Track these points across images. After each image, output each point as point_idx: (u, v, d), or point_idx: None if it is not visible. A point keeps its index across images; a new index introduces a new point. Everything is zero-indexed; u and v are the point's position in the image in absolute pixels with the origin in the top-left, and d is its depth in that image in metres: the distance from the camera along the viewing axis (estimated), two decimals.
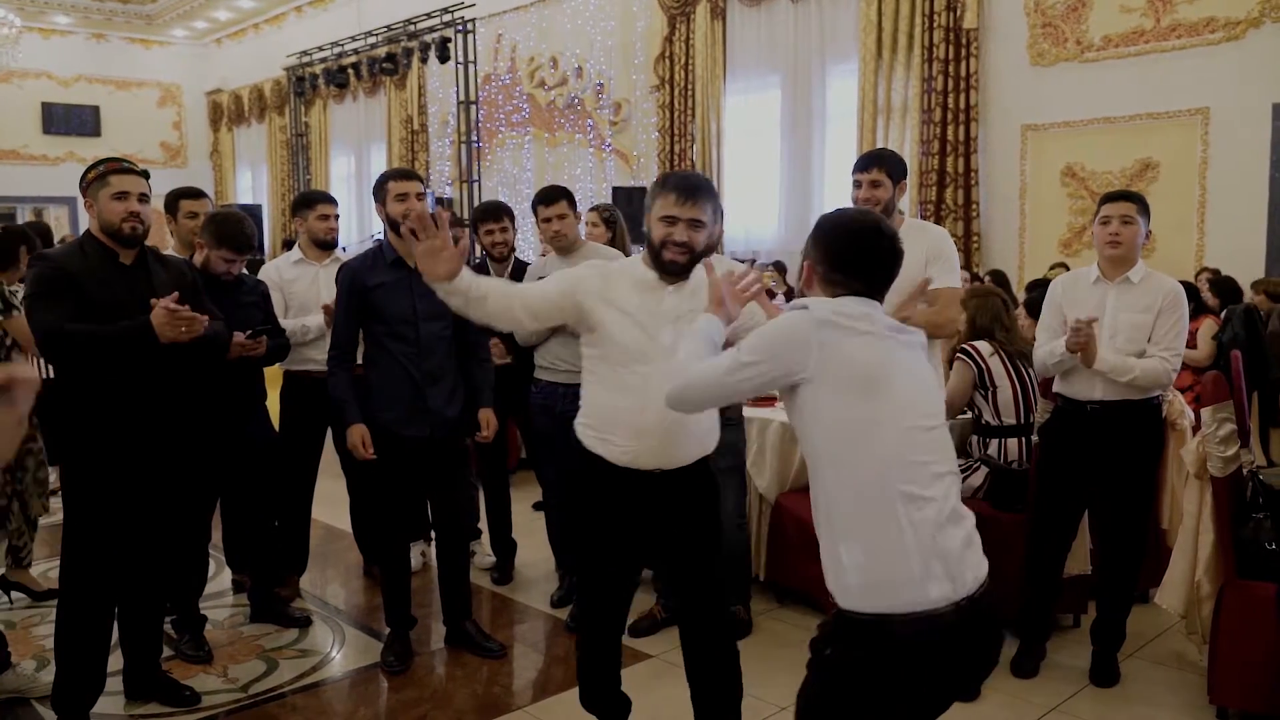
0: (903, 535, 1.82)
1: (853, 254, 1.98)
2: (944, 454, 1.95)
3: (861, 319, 1.90)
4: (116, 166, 3.05)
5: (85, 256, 3.01)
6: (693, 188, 2.50)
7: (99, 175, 3.02)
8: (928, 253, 3.28)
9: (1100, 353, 3.24)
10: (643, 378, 2.45)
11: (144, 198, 3.03)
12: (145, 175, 3.10)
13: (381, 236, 3.82)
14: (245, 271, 3.87)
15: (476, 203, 11.65)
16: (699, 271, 2.50)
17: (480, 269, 4.34)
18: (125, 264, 3.05)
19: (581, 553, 2.72)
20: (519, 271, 4.27)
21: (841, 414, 1.86)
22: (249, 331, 3.61)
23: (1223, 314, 6.14)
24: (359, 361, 3.62)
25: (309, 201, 4.37)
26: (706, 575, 2.65)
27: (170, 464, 3.12)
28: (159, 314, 2.86)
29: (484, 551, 4.68)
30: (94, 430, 2.98)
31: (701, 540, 2.63)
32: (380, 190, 3.51)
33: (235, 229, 3.64)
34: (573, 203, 4.03)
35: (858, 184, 3.45)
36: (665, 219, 2.48)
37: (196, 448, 3.25)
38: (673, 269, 2.51)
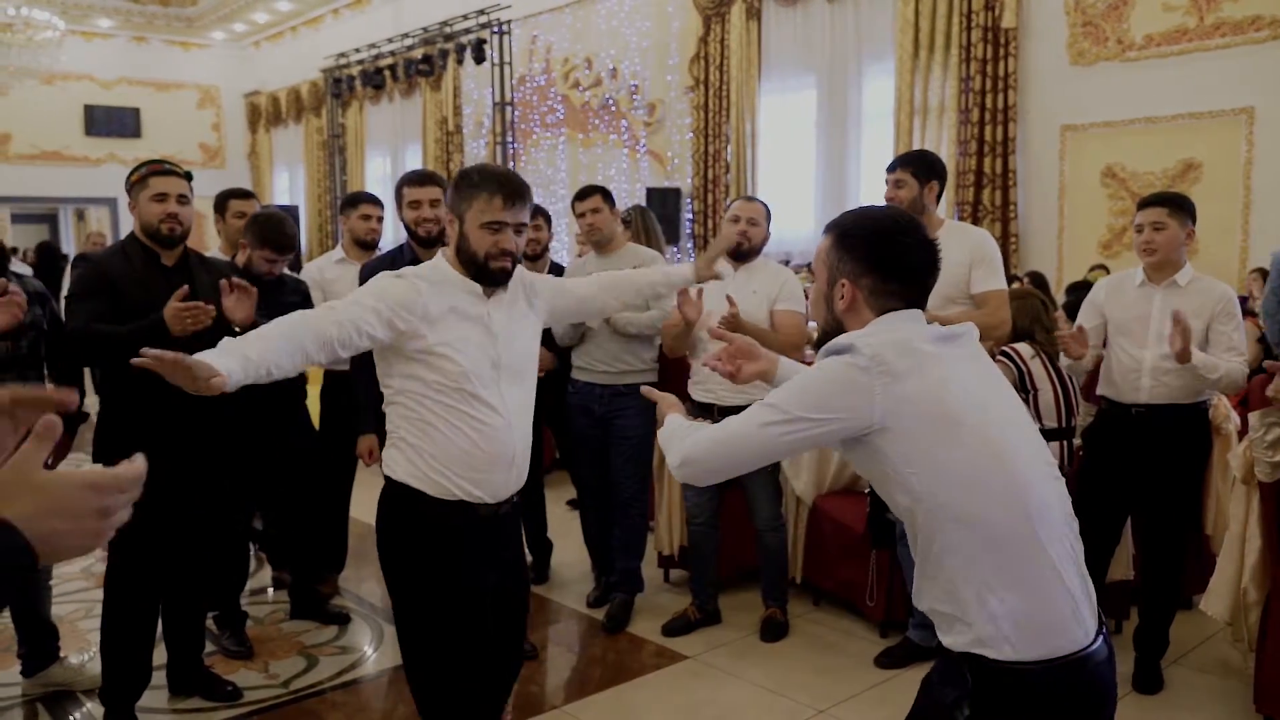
0: (1056, 568, 1.63)
1: (900, 254, 1.73)
2: (1048, 457, 1.75)
3: (908, 349, 1.65)
4: (158, 168, 3.10)
5: (127, 258, 3.06)
6: (518, 191, 2.28)
7: (140, 178, 3.07)
8: (971, 256, 3.27)
9: (1195, 350, 3.13)
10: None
11: (183, 199, 3.07)
12: (188, 177, 3.14)
13: None
14: (287, 271, 3.91)
15: None
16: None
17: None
18: (167, 265, 3.09)
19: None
20: (556, 273, 4.30)
21: (938, 457, 1.62)
22: None
23: None
24: None
25: (354, 201, 4.43)
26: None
27: (210, 462, 3.16)
28: (168, 309, 2.89)
29: None
30: (134, 430, 3.01)
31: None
32: (397, 194, 3.54)
33: (277, 229, 3.68)
34: (609, 199, 4.06)
35: (886, 183, 3.49)
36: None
37: (236, 445, 3.29)
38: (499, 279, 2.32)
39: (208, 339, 2.96)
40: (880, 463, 1.67)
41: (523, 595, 2.56)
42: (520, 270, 2.40)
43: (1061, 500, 1.71)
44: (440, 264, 2.34)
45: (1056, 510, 1.67)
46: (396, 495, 2.30)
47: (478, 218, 2.24)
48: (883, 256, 1.72)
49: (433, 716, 2.38)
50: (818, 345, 1.80)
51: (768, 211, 3.84)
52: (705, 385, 3.69)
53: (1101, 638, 1.66)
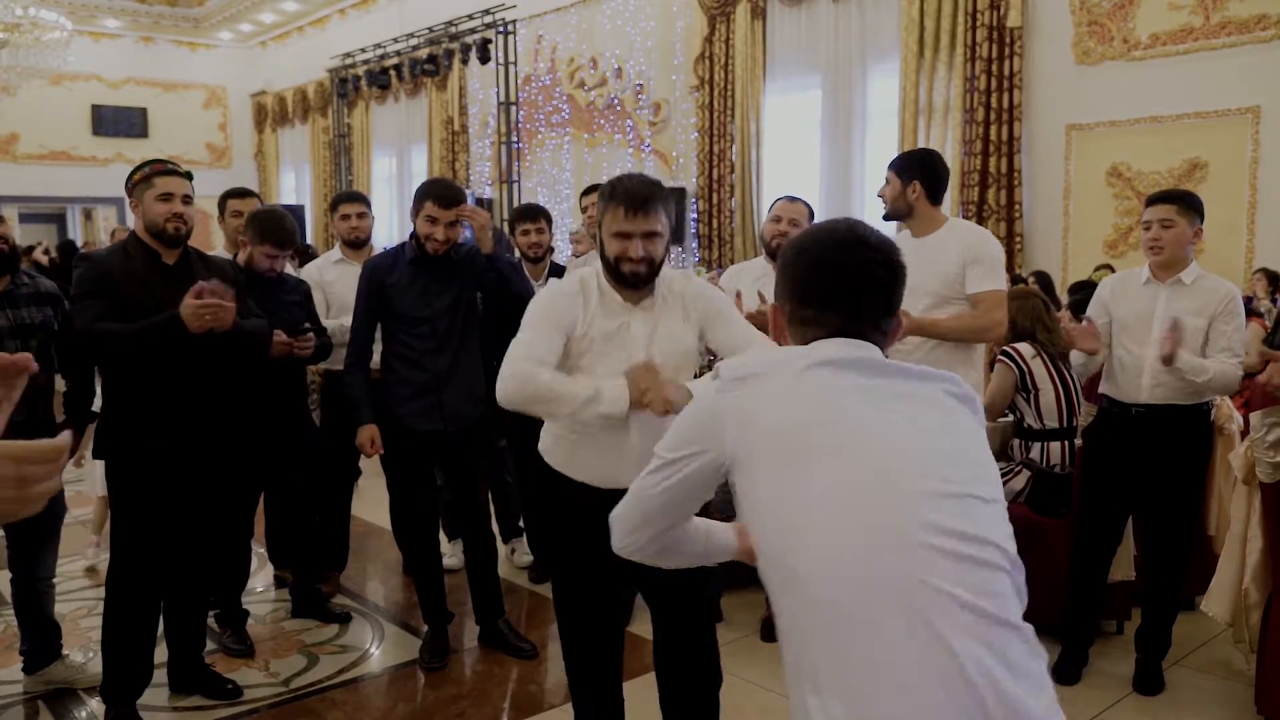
0: (898, 669, 1.24)
1: (821, 276, 1.47)
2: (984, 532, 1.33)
3: (780, 368, 1.43)
4: (162, 168, 3.10)
5: (129, 257, 3.07)
6: (643, 200, 2.37)
7: (144, 177, 3.07)
8: (965, 255, 3.21)
9: (1182, 353, 3.13)
10: None
11: (188, 199, 3.08)
12: (189, 177, 3.15)
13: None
14: (289, 270, 3.92)
15: (516, 203, 11.72)
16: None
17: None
18: (168, 264, 3.10)
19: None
20: (556, 274, 4.31)
21: (784, 491, 1.34)
22: (305, 328, 3.65)
23: (1276, 316, 6.02)
24: (375, 365, 3.67)
25: (334, 203, 4.48)
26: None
27: (214, 460, 3.17)
28: (187, 304, 2.89)
29: (523, 550, 4.71)
30: (139, 427, 3.03)
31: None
32: (417, 203, 3.49)
33: (276, 226, 3.69)
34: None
35: None
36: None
37: (240, 444, 3.30)
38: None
39: (210, 337, 2.98)
40: (745, 515, 1.42)
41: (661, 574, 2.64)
42: (680, 281, 2.54)
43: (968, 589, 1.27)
44: (598, 274, 2.50)
45: (927, 597, 1.25)
46: (549, 477, 2.52)
47: (609, 227, 2.40)
48: (797, 278, 1.50)
49: (579, 682, 2.62)
50: None
51: (810, 212, 3.79)
52: None
53: None
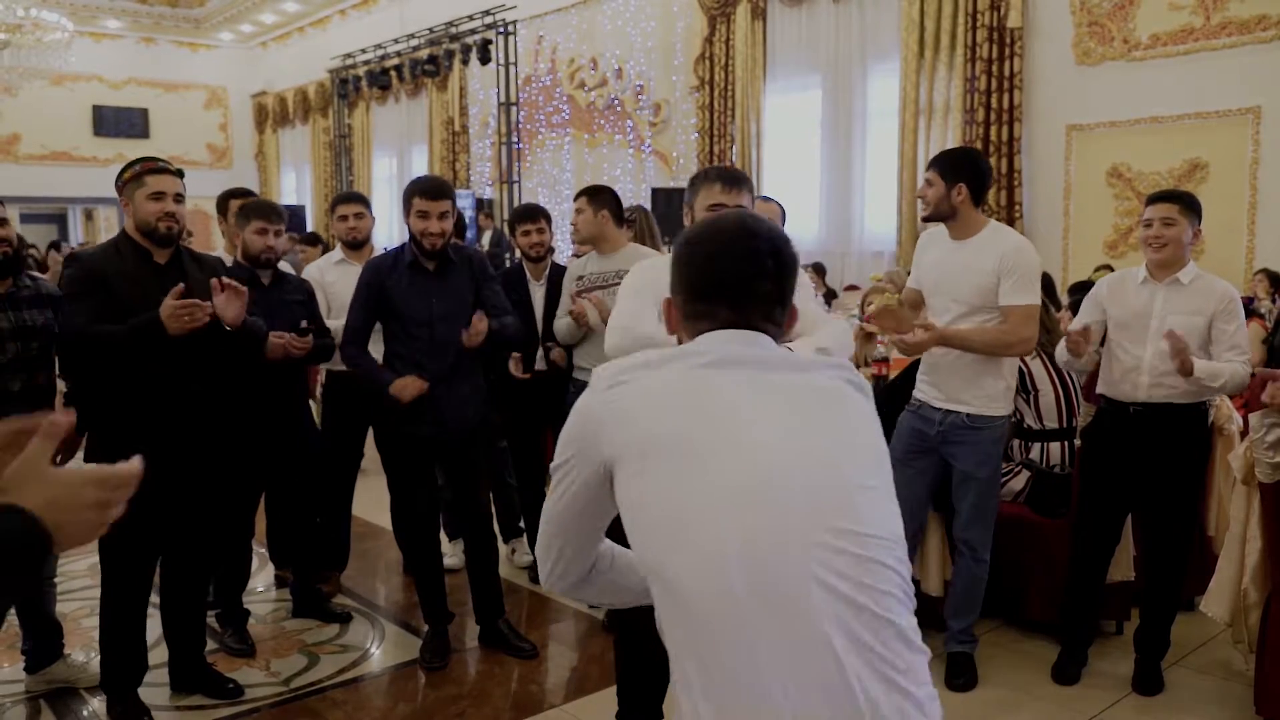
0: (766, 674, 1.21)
1: (708, 267, 1.43)
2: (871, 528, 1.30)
3: (654, 363, 1.37)
4: (153, 166, 3.08)
5: (120, 257, 3.05)
6: (734, 177, 2.65)
7: (135, 175, 3.05)
8: (1000, 265, 3.19)
9: (1198, 362, 3.11)
10: None
11: (179, 198, 3.06)
12: (180, 174, 3.13)
13: None
14: (290, 272, 3.93)
15: (516, 203, 11.73)
16: None
17: (517, 271, 4.39)
18: (160, 263, 3.08)
19: None
20: (556, 274, 4.31)
21: (656, 493, 1.29)
22: (304, 327, 3.65)
23: (1276, 316, 6.02)
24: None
25: (332, 205, 4.49)
26: None
27: (203, 457, 3.15)
28: (165, 306, 2.88)
29: (524, 550, 4.71)
30: (123, 427, 3.01)
31: None
32: (405, 204, 3.52)
33: (258, 202, 3.73)
34: (595, 200, 4.01)
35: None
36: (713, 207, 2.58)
37: (237, 443, 3.30)
38: None
39: (203, 337, 2.98)
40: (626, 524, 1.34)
41: None
42: None
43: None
44: None
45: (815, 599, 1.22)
46: None
47: (704, 202, 2.62)
48: (687, 271, 1.46)
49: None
50: None
51: (783, 211, 3.80)
52: None
53: None
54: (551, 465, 1.42)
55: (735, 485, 1.26)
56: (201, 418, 3.11)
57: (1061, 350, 3.40)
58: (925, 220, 3.48)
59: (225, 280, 3.02)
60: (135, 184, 3.04)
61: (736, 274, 1.41)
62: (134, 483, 1.01)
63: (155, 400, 3.03)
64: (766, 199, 3.78)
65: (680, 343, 1.47)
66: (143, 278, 3.03)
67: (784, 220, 3.83)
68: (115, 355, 2.98)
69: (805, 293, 3.76)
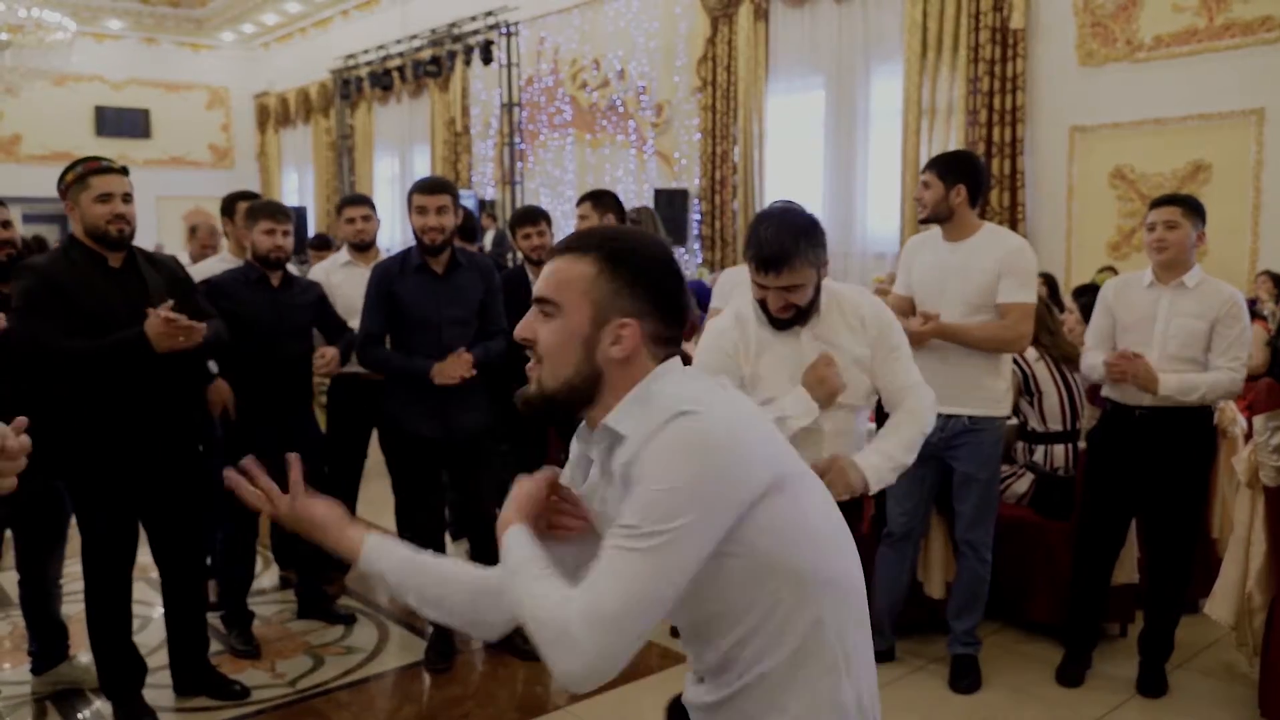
0: (846, 683, 1.38)
1: (681, 291, 1.40)
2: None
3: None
4: (96, 166, 2.97)
5: (71, 263, 2.93)
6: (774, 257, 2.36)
7: (78, 177, 2.94)
8: (1001, 265, 3.25)
9: (1162, 379, 3.17)
10: None
11: (128, 197, 2.96)
12: (125, 172, 3.03)
13: None
14: (296, 274, 3.93)
15: (518, 204, 11.73)
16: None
17: (519, 274, 4.39)
18: (114, 267, 2.98)
19: None
20: None
21: (777, 542, 1.31)
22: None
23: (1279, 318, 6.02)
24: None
25: (339, 207, 4.50)
26: None
27: (174, 464, 3.12)
28: (154, 324, 2.80)
29: None
30: (94, 438, 2.96)
31: None
32: (408, 204, 3.55)
33: (265, 200, 3.73)
34: (599, 205, 4.07)
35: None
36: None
37: (244, 445, 3.30)
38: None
39: (183, 353, 2.91)
40: (723, 566, 1.30)
41: None
42: (853, 298, 2.58)
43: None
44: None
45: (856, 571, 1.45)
46: None
47: (751, 275, 2.44)
48: (669, 291, 1.37)
49: None
50: (542, 404, 1.39)
51: None
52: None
53: None
54: (638, 527, 1.22)
55: (824, 497, 1.42)
56: (157, 425, 3.04)
57: (1096, 367, 3.36)
58: (923, 222, 3.50)
59: (167, 314, 2.85)
60: (79, 186, 2.92)
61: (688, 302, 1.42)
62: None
63: (121, 414, 2.95)
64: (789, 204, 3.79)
65: (625, 367, 1.35)
66: (97, 283, 2.92)
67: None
68: (86, 370, 2.88)
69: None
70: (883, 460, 2.44)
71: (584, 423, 1.42)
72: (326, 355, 3.67)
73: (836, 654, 1.36)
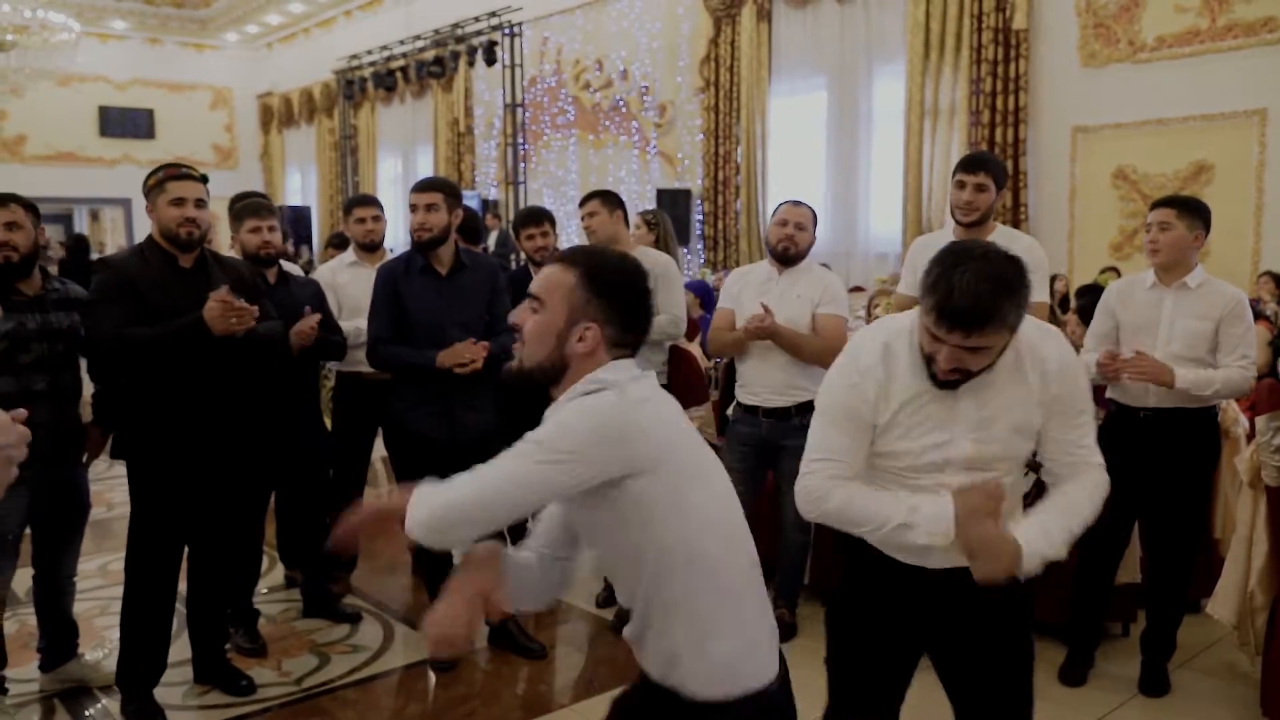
0: (761, 605, 1.71)
1: (646, 308, 1.73)
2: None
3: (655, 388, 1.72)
4: (174, 173, 3.14)
5: (146, 262, 3.12)
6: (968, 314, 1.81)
7: (158, 181, 3.11)
8: None
9: (1179, 372, 3.15)
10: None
11: (200, 203, 3.11)
12: (203, 180, 3.18)
13: None
14: (293, 272, 3.96)
15: (522, 204, 11.75)
16: None
17: (522, 275, 4.41)
18: (185, 268, 3.14)
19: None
20: None
21: (689, 500, 1.63)
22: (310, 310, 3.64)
23: None
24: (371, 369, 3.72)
25: (349, 206, 4.52)
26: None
27: (230, 458, 3.21)
28: (212, 306, 2.94)
29: None
30: (157, 427, 3.07)
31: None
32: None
33: (247, 198, 3.76)
34: (609, 203, 4.08)
35: (961, 185, 3.48)
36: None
37: (253, 444, 3.33)
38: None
39: (236, 341, 3.02)
40: (621, 512, 1.63)
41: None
42: (1038, 340, 2.01)
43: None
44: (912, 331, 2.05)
45: (751, 547, 1.74)
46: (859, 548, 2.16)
47: (924, 320, 1.93)
48: (632, 307, 1.70)
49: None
50: (519, 377, 1.77)
51: (814, 216, 3.83)
52: (749, 389, 3.76)
53: (779, 664, 1.73)
54: (541, 445, 1.63)
55: (726, 490, 1.73)
56: (224, 420, 3.15)
57: (1091, 368, 3.37)
58: (969, 226, 3.50)
59: (224, 296, 2.99)
60: (158, 190, 3.10)
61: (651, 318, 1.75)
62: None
63: (185, 401, 3.07)
64: (797, 203, 3.83)
65: (585, 360, 1.68)
66: (169, 282, 3.09)
67: (816, 223, 3.85)
68: (148, 358, 3.03)
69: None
70: (1042, 534, 2.01)
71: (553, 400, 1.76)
72: (310, 320, 3.62)
73: (705, 617, 1.64)
